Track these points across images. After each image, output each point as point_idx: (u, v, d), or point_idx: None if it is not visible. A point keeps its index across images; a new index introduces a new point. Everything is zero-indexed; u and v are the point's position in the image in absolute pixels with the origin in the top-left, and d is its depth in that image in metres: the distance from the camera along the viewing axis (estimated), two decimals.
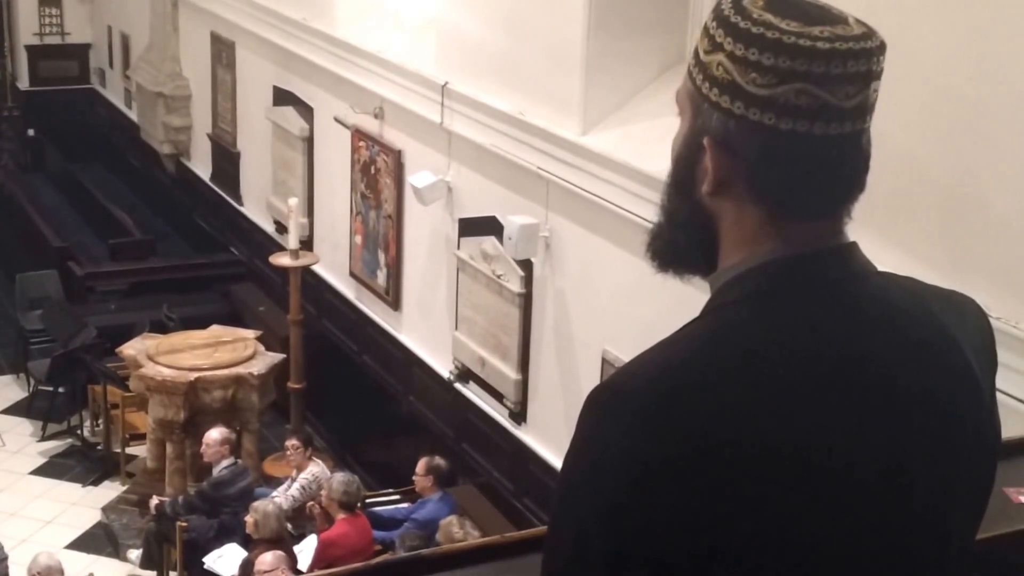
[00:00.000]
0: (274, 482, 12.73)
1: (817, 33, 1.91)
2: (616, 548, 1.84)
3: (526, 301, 10.83)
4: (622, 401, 1.88)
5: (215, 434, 11.98)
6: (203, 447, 12.00)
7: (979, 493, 2.12)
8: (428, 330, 12.55)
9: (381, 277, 13.24)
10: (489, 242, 11.08)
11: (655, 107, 9.46)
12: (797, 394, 1.88)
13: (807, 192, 1.96)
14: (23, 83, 22.73)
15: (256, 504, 11.10)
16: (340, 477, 11.34)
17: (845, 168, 1.98)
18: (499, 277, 11.00)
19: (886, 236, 6.94)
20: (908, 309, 2.04)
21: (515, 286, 10.85)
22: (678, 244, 2.09)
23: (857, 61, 1.92)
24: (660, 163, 2.15)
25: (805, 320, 1.95)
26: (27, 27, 22.39)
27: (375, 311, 13.50)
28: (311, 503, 11.52)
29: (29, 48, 22.52)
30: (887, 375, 1.95)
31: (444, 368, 12.13)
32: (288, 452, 12.39)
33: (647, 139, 9.10)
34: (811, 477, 1.86)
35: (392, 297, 13.08)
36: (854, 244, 2.03)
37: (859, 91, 1.94)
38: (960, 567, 2.09)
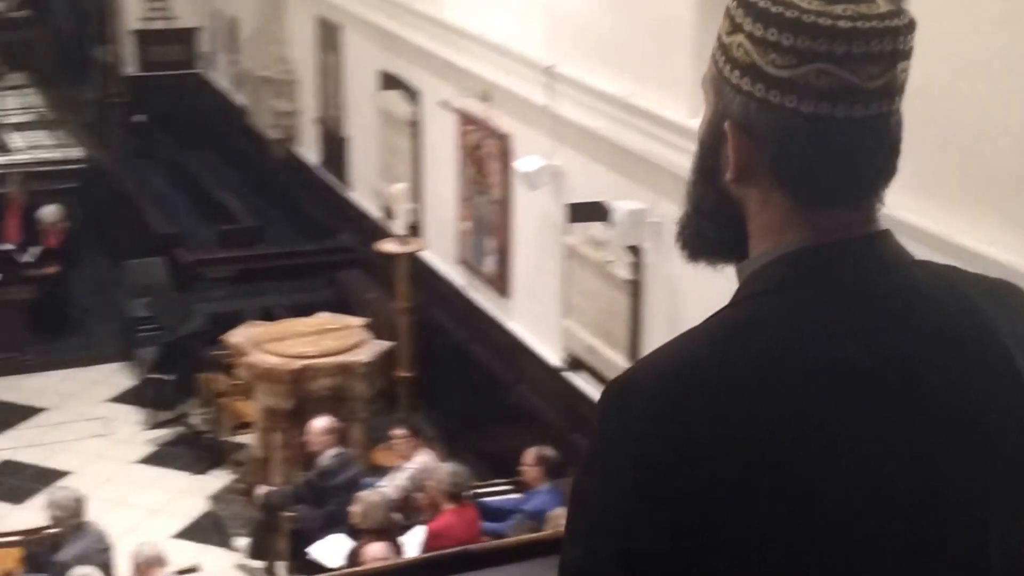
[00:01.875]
0: (382, 472, 12.63)
1: (839, 12, 1.86)
2: (628, 546, 1.83)
3: (635, 288, 10.67)
4: (632, 397, 1.87)
5: (319, 423, 11.95)
6: (307, 436, 11.96)
7: None
8: (537, 318, 12.42)
9: (489, 263, 13.11)
10: (597, 228, 10.91)
11: None
12: (817, 391, 1.84)
13: (832, 177, 1.92)
14: (130, 69, 22.79)
15: (362, 494, 11.02)
16: (448, 467, 11.26)
17: (872, 152, 1.93)
18: (608, 264, 10.84)
19: (1010, 218, 6.76)
20: (943, 300, 1.97)
21: (623, 273, 10.69)
22: (706, 234, 2.08)
23: (882, 40, 1.87)
24: None
25: (830, 313, 1.89)
26: (133, 12, 22.48)
27: (483, 298, 13.38)
28: (419, 493, 11.43)
29: (136, 33, 22.58)
30: (914, 371, 1.89)
31: (553, 356, 12.01)
32: (396, 441, 12.30)
33: None
34: (826, 475, 1.82)
35: (500, 284, 12.95)
36: (887, 232, 1.97)
37: (884, 71, 1.89)
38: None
